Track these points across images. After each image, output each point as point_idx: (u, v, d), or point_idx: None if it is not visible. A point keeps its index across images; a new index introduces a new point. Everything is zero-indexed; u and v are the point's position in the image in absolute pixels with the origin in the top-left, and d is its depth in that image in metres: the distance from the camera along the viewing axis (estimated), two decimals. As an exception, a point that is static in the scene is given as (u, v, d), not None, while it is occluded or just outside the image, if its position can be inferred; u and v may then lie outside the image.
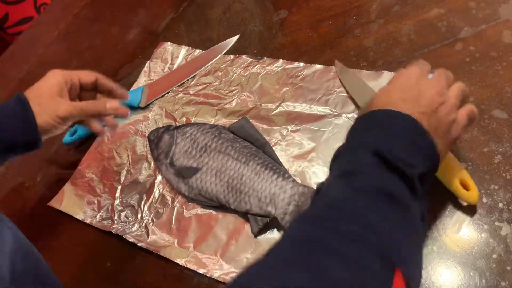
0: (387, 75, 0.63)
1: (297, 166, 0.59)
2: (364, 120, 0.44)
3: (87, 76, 0.62)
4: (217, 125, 0.65)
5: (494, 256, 0.46)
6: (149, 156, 0.69)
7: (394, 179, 0.37)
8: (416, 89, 0.44)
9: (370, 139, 0.41)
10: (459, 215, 0.50)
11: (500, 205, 0.49)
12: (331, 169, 0.43)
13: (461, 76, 0.59)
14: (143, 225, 0.62)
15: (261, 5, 0.84)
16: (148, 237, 0.60)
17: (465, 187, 0.49)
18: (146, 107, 0.76)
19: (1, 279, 0.40)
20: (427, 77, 0.47)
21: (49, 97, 0.56)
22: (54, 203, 0.69)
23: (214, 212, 0.59)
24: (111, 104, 0.62)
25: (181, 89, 0.76)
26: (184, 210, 0.61)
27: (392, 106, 0.42)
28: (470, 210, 0.50)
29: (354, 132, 0.44)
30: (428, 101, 0.43)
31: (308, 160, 0.59)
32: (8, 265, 0.42)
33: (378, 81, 0.63)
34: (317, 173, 0.58)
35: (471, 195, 0.48)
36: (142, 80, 0.81)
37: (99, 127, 0.65)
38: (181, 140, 0.63)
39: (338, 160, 0.42)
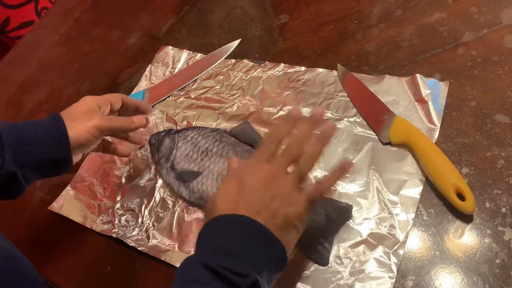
0: (388, 80, 0.63)
1: (299, 170, 0.59)
2: (207, 229, 0.45)
3: (116, 100, 0.62)
4: (218, 128, 0.65)
5: (498, 261, 0.46)
6: (150, 160, 0.69)
7: None
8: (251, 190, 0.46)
9: (203, 253, 0.43)
10: (461, 219, 0.49)
11: (503, 209, 0.49)
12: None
13: (463, 81, 0.59)
14: (144, 229, 0.62)
15: (262, 9, 0.84)
16: (148, 242, 0.60)
17: (462, 196, 0.49)
18: (147, 111, 0.76)
19: None
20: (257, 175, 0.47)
21: (82, 113, 0.57)
22: (54, 207, 0.69)
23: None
24: (138, 118, 0.64)
25: (182, 93, 0.76)
26: (185, 215, 0.61)
27: (230, 210, 0.44)
28: (472, 215, 0.49)
29: (199, 243, 0.45)
30: (259, 199, 0.45)
31: (309, 164, 0.59)
32: None
33: (379, 85, 0.63)
34: (319, 178, 0.58)
35: (466, 205, 0.48)
36: (143, 84, 0.81)
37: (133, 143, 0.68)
38: (182, 144, 0.63)
39: (179, 275, 0.42)
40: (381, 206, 0.53)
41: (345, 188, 0.56)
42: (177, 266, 0.55)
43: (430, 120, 0.57)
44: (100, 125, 0.57)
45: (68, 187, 0.71)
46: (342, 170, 0.48)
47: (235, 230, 0.42)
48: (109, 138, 0.65)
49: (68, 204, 0.69)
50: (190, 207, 0.61)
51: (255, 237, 0.42)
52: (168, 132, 0.67)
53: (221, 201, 0.46)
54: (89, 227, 0.65)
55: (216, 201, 0.46)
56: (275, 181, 0.46)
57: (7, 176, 0.52)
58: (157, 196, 0.64)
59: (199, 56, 0.80)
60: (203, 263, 0.39)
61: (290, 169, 0.47)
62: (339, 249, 0.51)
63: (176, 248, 0.58)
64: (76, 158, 0.58)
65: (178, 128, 0.70)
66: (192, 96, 0.74)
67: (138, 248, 0.59)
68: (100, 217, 0.65)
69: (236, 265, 0.39)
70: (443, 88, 0.59)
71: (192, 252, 0.56)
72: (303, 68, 0.69)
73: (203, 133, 0.63)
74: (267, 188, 0.45)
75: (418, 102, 0.59)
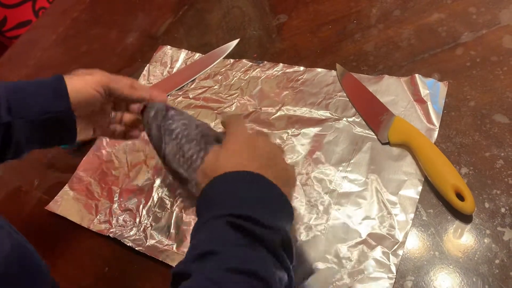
0: (387, 80, 0.63)
1: (298, 170, 0.59)
2: (214, 187, 0.43)
3: (125, 84, 0.56)
4: (203, 125, 0.58)
5: (497, 261, 0.46)
6: (148, 160, 0.68)
7: (256, 252, 0.36)
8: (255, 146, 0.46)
9: (224, 209, 0.39)
10: (461, 220, 0.49)
11: (503, 210, 0.49)
12: (190, 248, 0.40)
13: (462, 81, 0.59)
14: (142, 229, 0.61)
15: (261, 9, 0.84)
16: (146, 242, 0.60)
17: (461, 196, 0.49)
18: (145, 110, 0.75)
19: None
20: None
21: (83, 72, 0.54)
22: (51, 207, 0.69)
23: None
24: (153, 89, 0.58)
25: (180, 93, 0.76)
26: (183, 215, 0.60)
27: (240, 167, 0.42)
28: (471, 215, 0.49)
29: (207, 202, 0.42)
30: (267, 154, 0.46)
31: (308, 164, 0.59)
32: (3, 272, 0.41)
33: (378, 85, 0.63)
34: (318, 177, 0.57)
35: (466, 206, 0.48)
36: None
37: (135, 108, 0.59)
38: (169, 141, 0.57)
39: (197, 236, 0.40)
40: (380, 206, 0.53)
41: (344, 188, 0.55)
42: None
43: (429, 120, 0.57)
44: (102, 80, 0.53)
45: (66, 187, 0.70)
46: None
47: (249, 186, 0.41)
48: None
49: (65, 204, 0.68)
50: (189, 208, 0.61)
51: (270, 193, 0.41)
52: (154, 117, 0.57)
53: (226, 159, 0.45)
54: (86, 227, 0.65)
55: (219, 160, 0.45)
56: (273, 144, 0.48)
57: (1, 128, 0.47)
58: (155, 196, 0.64)
59: (197, 56, 0.80)
60: (226, 219, 0.37)
61: None
62: (338, 249, 0.51)
63: (174, 248, 0.58)
64: (81, 126, 0.53)
65: (164, 112, 0.58)
66: (191, 96, 0.74)
67: (136, 248, 0.59)
68: (98, 217, 0.65)
69: (264, 217, 0.37)
70: (442, 88, 0.59)
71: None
72: (302, 68, 0.69)
73: (186, 135, 0.56)
74: (270, 148, 0.46)
75: (417, 102, 0.59)
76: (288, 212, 0.42)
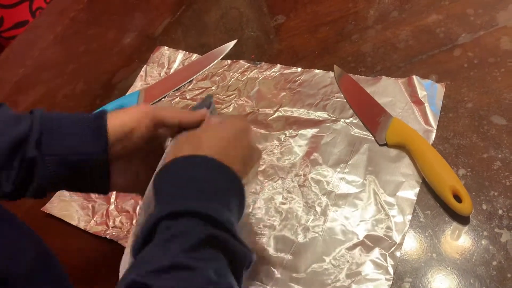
0: (385, 81, 0.63)
1: (296, 172, 0.59)
2: (160, 176, 0.41)
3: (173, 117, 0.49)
4: None
5: (494, 263, 0.46)
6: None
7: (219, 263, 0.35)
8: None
9: (166, 205, 0.38)
10: (458, 221, 0.49)
11: (500, 211, 0.49)
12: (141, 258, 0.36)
13: (459, 82, 0.59)
14: (139, 230, 0.61)
15: (258, 10, 0.84)
16: (143, 243, 0.59)
17: (459, 198, 0.49)
18: (142, 111, 0.75)
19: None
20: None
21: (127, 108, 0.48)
22: (48, 208, 0.68)
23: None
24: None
25: (178, 94, 0.75)
26: (180, 216, 0.60)
27: (194, 151, 0.41)
28: (469, 217, 0.49)
29: (155, 191, 0.40)
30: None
31: (306, 166, 0.59)
32: (25, 274, 0.39)
33: (376, 87, 0.62)
34: (315, 179, 0.57)
35: (463, 207, 0.48)
36: (138, 85, 0.80)
37: None
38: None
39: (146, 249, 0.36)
40: (378, 207, 0.53)
41: (342, 189, 0.55)
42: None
43: (427, 122, 0.57)
44: (147, 110, 0.46)
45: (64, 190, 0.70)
46: None
47: (199, 171, 0.40)
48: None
49: (62, 205, 0.68)
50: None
51: (217, 177, 0.40)
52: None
53: (183, 145, 0.44)
54: (83, 228, 0.64)
55: (177, 147, 0.44)
56: (239, 123, 0.47)
57: (25, 163, 0.42)
58: (152, 197, 0.64)
59: (195, 56, 0.80)
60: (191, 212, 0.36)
61: None
62: (335, 251, 0.51)
63: (171, 250, 0.58)
64: (121, 168, 0.47)
65: None
66: (188, 97, 0.74)
67: (133, 250, 0.59)
68: (94, 219, 0.65)
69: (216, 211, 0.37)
70: (439, 89, 0.59)
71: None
72: (299, 69, 0.69)
73: None
74: (232, 128, 0.45)
75: (414, 103, 0.59)
76: (236, 193, 0.41)
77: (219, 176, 0.40)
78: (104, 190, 0.48)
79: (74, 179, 0.45)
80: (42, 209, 0.68)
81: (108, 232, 0.62)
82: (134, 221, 0.62)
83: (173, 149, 0.45)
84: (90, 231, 0.64)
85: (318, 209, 0.55)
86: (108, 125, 0.44)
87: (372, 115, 0.60)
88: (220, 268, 0.34)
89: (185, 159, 0.41)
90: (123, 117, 0.45)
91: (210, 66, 0.77)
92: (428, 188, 0.52)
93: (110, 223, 0.63)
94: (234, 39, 0.79)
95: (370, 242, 0.50)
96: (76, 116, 0.46)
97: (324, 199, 0.55)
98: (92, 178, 0.46)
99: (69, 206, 0.67)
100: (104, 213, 0.65)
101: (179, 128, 0.48)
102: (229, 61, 0.76)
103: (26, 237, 0.42)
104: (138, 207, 0.64)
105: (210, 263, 0.34)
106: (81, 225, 0.65)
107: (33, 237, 0.44)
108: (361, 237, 0.51)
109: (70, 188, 0.48)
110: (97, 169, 0.45)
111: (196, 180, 0.39)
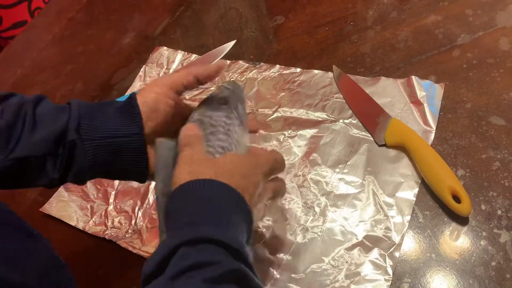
0: (384, 81, 0.63)
1: (295, 172, 0.59)
2: (171, 203, 0.40)
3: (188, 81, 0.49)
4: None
5: (493, 263, 0.46)
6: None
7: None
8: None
9: (177, 235, 0.37)
10: (457, 222, 0.49)
11: (499, 212, 0.49)
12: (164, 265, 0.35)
13: (458, 83, 0.59)
14: (137, 231, 0.61)
15: (258, 11, 0.84)
16: (142, 244, 0.59)
17: (458, 198, 0.49)
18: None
19: None
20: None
21: (148, 86, 0.49)
22: (46, 208, 0.68)
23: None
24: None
25: (176, 94, 0.75)
26: (179, 216, 0.60)
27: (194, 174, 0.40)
28: (468, 217, 0.49)
29: (167, 220, 0.40)
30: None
31: (305, 166, 0.59)
32: (38, 279, 0.39)
33: (375, 87, 0.63)
34: (314, 179, 0.57)
35: (462, 208, 0.48)
36: (137, 85, 0.80)
37: None
38: None
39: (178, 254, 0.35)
40: (377, 208, 0.52)
41: (341, 190, 0.55)
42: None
43: (426, 122, 0.57)
44: (164, 81, 0.48)
45: (61, 188, 0.70)
46: None
47: (198, 200, 0.39)
48: None
49: (60, 205, 0.68)
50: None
51: (238, 212, 0.39)
52: None
53: (181, 168, 0.41)
54: (81, 228, 0.64)
55: (177, 169, 0.42)
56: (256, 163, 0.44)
57: (66, 146, 0.44)
58: (151, 198, 0.64)
59: (194, 57, 0.80)
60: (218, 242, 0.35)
61: None
62: (334, 251, 0.51)
63: (170, 250, 0.58)
64: (151, 154, 0.46)
65: None
66: (187, 97, 0.74)
67: (132, 251, 0.59)
68: (93, 219, 0.65)
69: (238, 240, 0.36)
70: (438, 90, 0.59)
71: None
72: (298, 70, 0.69)
73: None
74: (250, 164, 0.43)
75: (413, 104, 0.59)
76: (245, 215, 0.40)
77: (233, 203, 0.39)
78: (142, 176, 0.48)
79: (113, 164, 0.46)
80: (40, 210, 0.68)
81: (107, 232, 0.62)
82: (133, 222, 0.62)
83: (183, 164, 0.43)
84: (89, 232, 0.63)
85: (317, 209, 0.55)
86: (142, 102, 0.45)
87: (371, 116, 0.60)
88: None
89: (201, 184, 0.39)
90: (146, 94, 0.46)
91: (209, 66, 0.76)
92: (427, 188, 0.52)
93: (109, 224, 0.63)
94: (233, 40, 0.79)
95: (369, 243, 0.50)
96: (110, 102, 0.47)
97: (323, 199, 0.55)
98: (131, 162, 0.46)
99: (67, 207, 0.67)
100: (103, 213, 0.65)
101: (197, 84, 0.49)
102: (228, 62, 0.76)
103: (36, 240, 0.42)
104: (136, 207, 0.64)
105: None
106: (80, 226, 0.64)
107: (42, 241, 0.43)
108: (360, 238, 0.51)
109: (109, 175, 0.48)
110: (135, 152, 0.45)
111: (212, 205, 0.39)
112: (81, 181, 0.47)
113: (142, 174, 0.47)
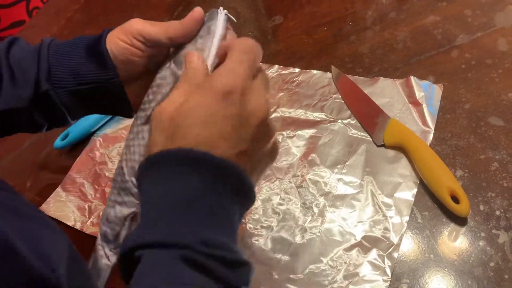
0: (382, 82, 0.63)
1: (293, 172, 0.59)
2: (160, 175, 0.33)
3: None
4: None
5: (492, 264, 0.46)
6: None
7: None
8: (239, 119, 0.33)
9: (172, 234, 0.31)
10: (456, 222, 0.49)
11: (497, 212, 0.49)
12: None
13: (457, 83, 0.59)
14: (135, 231, 0.61)
15: (256, 11, 0.84)
16: (140, 244, 0.59)
17: (456, 199, 0.49)
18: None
19: None
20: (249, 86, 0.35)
21: (120, 28, 0.45)
22: (44, 208, 0.68)
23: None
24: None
25: (175, 94, 0.75)
26: (177, 217, 0.60)
27: (206, 147, 0.32)
28: (466, 218, 0.49)
29: (150, 195, 0.33)
30: (251, 134, 0.34)
31: (303, 166, 0.59)
32: (66, 275, 0.38)
33: (373, 87, 0.62)
34: (313, 179, 0.57)
35: (461, 208, 0.48)
36: (135, 85, 0.80)
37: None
38: None
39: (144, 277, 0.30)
40: (375, 208, 0.52)
41: (339, 190, 0.55)
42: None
43: (424, 123, 0.57)
44: (133, 30, 0.43)
45: (59, 188, 0.70)
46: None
47: (212, 185, 0.32)
48: None
49: (58, 205, 0.68)
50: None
51: (237, 194, 0.33)
52: None
53: (193, 116, 0.33)
54: (79, 229, 0.64)
55: (182, 113, 0.33)
56: (267, 109, 0.36)
57: (42, 96, 0.44)
58: (149, 198, 0.63)
59: (192, 57, 0.80)
60: (182, 256, 0.29)
61: None
62: (333, 252, 0.51)
63: (168, 251, 0.57)
64: (132, 91, 0.44)
65: None
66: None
67: (129, 251, 0.58)
68: (91, 219, 0.64)
69: (228, 249, 0.31)
70: (437, 90, 0.59)
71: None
72: (297, 70, 0.69)
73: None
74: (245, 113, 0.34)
75: (412, 104, 0.59)
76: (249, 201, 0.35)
77: (216, 181, 0.32)
78: (128, 113, 0.47)
79: (92, 105, 0.46)
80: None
81: (104, 232, 0.62)
82: (130, 222, 0.62)
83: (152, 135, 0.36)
84: (87, 232, 0.63)
85: (316, 210, 0.55)
86: (108, 50, 0.43)
87: (369, 116, 0.60)
88: None
89: (168, 158, 0.32)
90: (115, 43, 0.43)
91: (207, 66, 0.76)
92: (425, 189, 0.52)
93: (107, 224, 0.63)
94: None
95: (367, 243, 0.50)
96: (80, 44, 0.45)
97: (321, 200, 0.55)
98: (111, 103, 0.45)
99: (65, 207, 0.67)
100: (101, 213, 0.64)
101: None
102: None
103: (59, 235, 0.41)
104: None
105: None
106: (78, 226, 0.64)
107: (64, 235, 0.42)
108: (358, 238, 0.51)
109: (94, 113, 0.48)
110: (113, 94, 0.44)
111: (187, 194, 0.32)
112: (67, 123, 0.48)
113: (128, 112, 0.47)
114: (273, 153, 0.39)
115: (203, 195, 0.32)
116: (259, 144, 0.36)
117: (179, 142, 0.33)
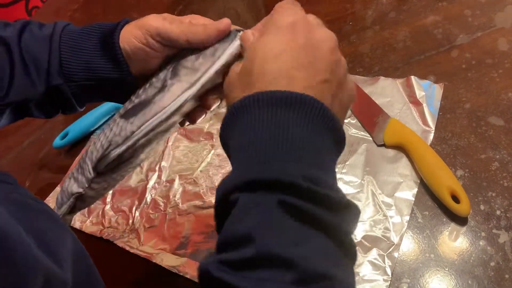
0: (383, 81, 0.62)
1: (293, 172, 0.59)
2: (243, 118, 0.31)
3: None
4: None
5: (492, 264, 0.46)
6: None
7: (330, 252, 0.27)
8: (311, 48, 0.33)
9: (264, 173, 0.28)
10: (456, 222, 0.49)
11: (498, 212, 0.48)
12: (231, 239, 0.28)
13: (457, 83, 0.59)
14: (135, 231, 0.61)
15: (256, 11, 0.84)
16: (139, 243, 0.59)
17: (457, 198, 0.49)
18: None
19: (66, 283, 0.35)
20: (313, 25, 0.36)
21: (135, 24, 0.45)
22: (43, 208, 0.68)
23: (207, 218, 0.58)
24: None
25: (174, 94, 0.75)
26: (177, 216, 0.60)
27: (285, 80, 0.31)
28: (467, 217, 0.49)
29: (235, 138, 0.31)
30: (326, 62, 0.33)
31: (303, 166, 0.59)
32: (71, 269, 0.37)
33: (374, 87, 0.62)
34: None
35: (461, 208, 0.48)
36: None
37: None
38: None
39: (237, 221, 0.28)
40: (376, 208, 0.52)
41: (339, 190, 0.55)
42: (169, 268, 0.54)
43: (425, 122, 0.57)
44: (149, 24, 0.43)
45: (58, 188, 0.70)
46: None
47: (305, 127, 0.29)
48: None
49: (57, 205, 0.67)
50: (182, 208, 0.60)
51: (329, 135, 0.31)
52: None
53: (267, 58, 0.32)
54: (78, 228, 0.64)
55: (278, 58, 0.32)
56: (335, 42, 0.35)
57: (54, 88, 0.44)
58: (148, 197, 0.63)
59: (192, 56, 0.79)
60: (278, 198, 0.27)
61: None
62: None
63: (167, 250, 0.57)
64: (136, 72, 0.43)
65: None
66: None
67: (129, 250, 0.58)
68: (90, 219, 0.64)
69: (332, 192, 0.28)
70: (437, 90, 0.59)
71: (184, 255, 0.55)
72: (297, 69, 0.69)
73: None
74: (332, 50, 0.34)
75: (412, 104, 0.59)
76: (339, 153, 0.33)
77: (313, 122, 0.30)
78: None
79: (103, 96, 0.47)
80: (37, 209, 0.68)
81: (104, 232, 0.62)
82: (130, 221, 0.62)
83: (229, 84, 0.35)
84: (86, 231, 0.63)
85: (316, 209, 0.54)
86: (122, 49, 0.43)
87: (370, 116, 0.60)
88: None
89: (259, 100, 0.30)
90: (130, 42, 0.43)
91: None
92: (426, 188, 0.52)
93: (106, 223, 0.63)
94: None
95: (368, 243, 0.50)
96: (95, 34, 0.44)
97: (321, 199, 0.55)
98: (123, 93, 0.44)
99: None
100: (100, 213, 0.64)
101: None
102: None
103: (63, 228, 0.40)
104: (134, 207, 0.63)
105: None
106: (77, 225, 0.64)
107: (67, 228, 0.42)
108: (359, 238, 0.51)
109: (105, 101, 0.50)
110: (126, 87, 0.44)
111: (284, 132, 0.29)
112: (77, 110, 0.48)
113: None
114: (352, 91, 0.37)
115: (305, 134, 0.29)
116: (337, 75, 0.34)
117: (260, 83, 0.32)
